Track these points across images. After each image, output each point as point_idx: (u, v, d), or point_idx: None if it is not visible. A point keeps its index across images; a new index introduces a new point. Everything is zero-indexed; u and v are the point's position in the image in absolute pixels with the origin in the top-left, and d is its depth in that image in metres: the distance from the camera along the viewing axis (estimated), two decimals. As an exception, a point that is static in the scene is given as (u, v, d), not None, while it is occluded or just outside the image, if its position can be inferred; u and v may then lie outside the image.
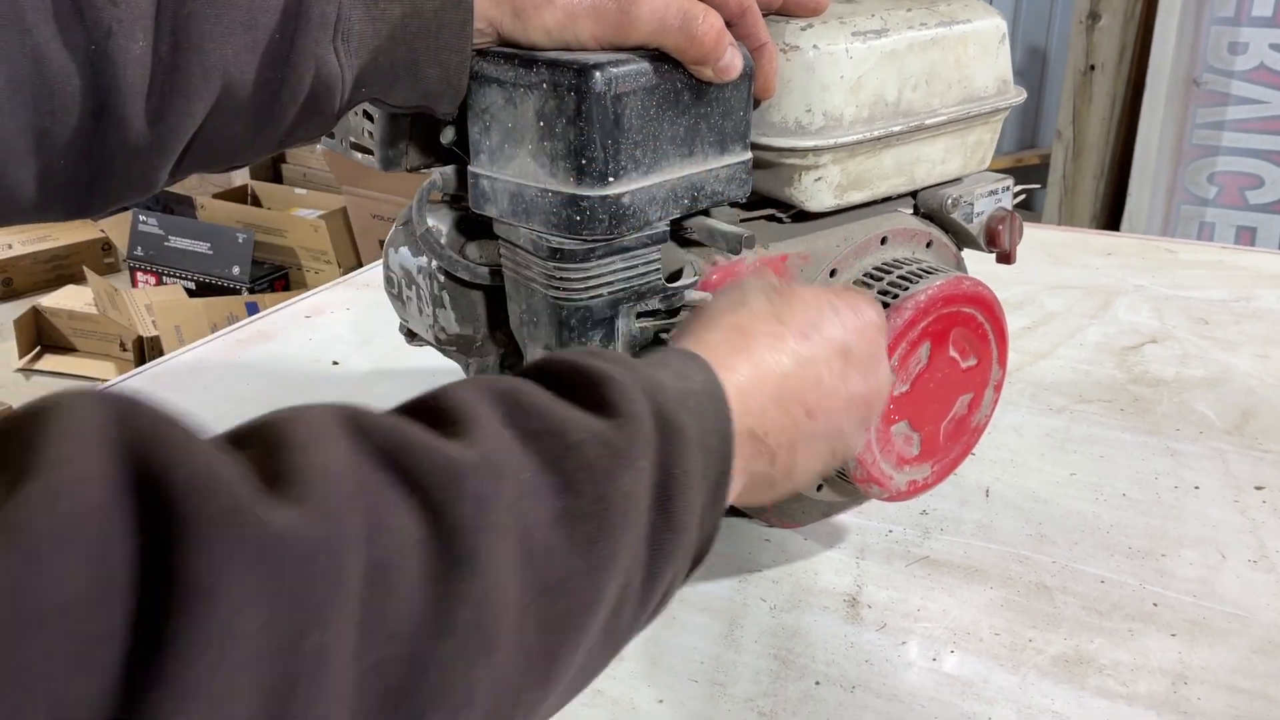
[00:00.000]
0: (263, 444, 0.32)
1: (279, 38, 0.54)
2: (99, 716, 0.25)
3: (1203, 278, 1.33)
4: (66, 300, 2.97)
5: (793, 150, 0.68)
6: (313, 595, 0.29)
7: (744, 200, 0.68)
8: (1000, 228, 0.80)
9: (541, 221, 0.61)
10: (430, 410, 0.38)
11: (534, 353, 0.66)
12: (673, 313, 0.67)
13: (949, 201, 0.77)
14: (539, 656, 0.36)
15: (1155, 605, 0.77)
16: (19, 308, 3.01)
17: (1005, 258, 0.81)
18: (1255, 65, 2.49)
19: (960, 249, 0.81)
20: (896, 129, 0.70)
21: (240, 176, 3.42)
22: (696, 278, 0.67)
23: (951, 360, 0.74)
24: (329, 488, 0.30)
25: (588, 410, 0.41)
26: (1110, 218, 2.79)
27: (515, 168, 0.62)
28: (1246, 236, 2.60)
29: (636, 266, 0.64)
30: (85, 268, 3.07)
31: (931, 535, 0.85)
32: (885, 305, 0.70)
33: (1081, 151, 2.74)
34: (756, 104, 0.67)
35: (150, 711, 0.25)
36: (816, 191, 0.70)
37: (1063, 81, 2.78)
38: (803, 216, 0.73)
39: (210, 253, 3.04)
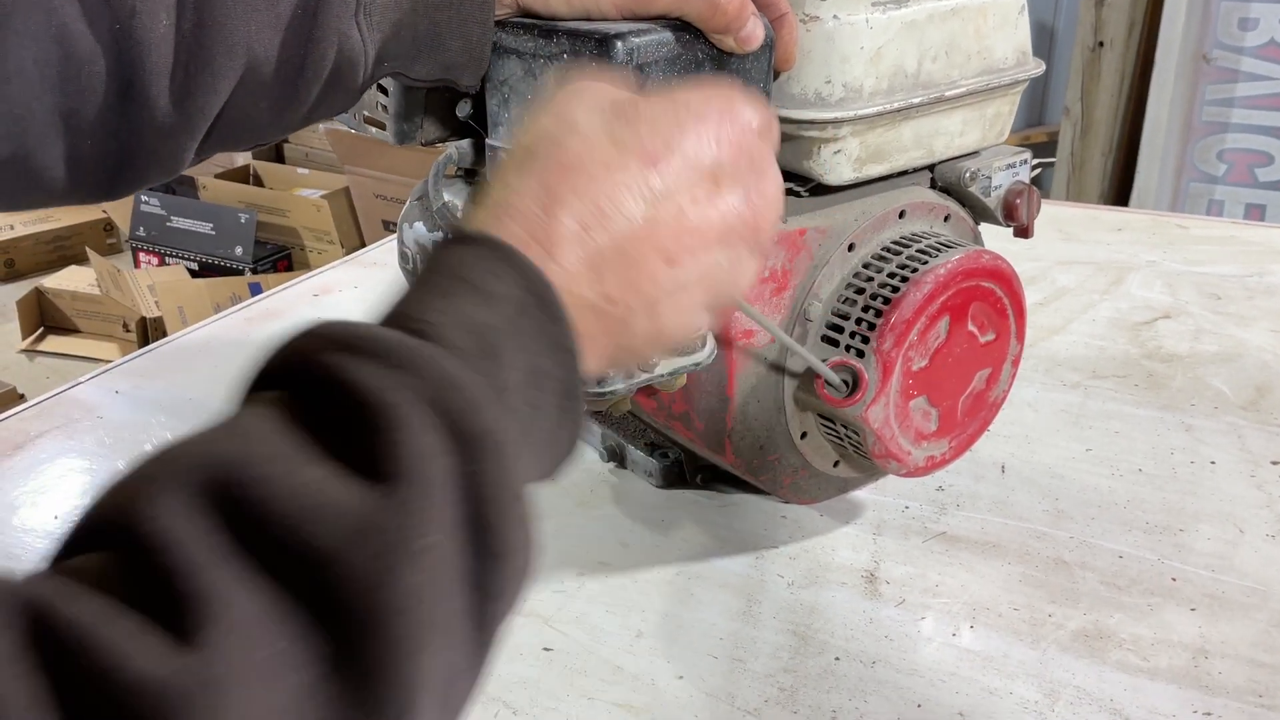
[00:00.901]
0: None
1: (301, 13, 0.54)
2: None
3: (1214, 253, 1.33)
4: (69, 281, 2.97)
5: (812, 122, 0.67)
6: None
7: None
8: (1018, 201, 0.79)
9: None
10: (131, 579, 0.28)
11: None
12: None
13: (967, 175, 0.76)
14: None
15: (1174, 580, 0.77)
16: (21, 289, 3.00)
17: (1023, 232, 0.81)
18: (1265, 41, 2.47)
19: (977, 223, 0.80)
20: (916, 101, 0.70)
21: (242, 156, 3.41)
22: None
23: (970, 335, 0.73)
24: None
25: (346, 469, 0.31)
26: (1119, 195, 2.78)
27: None
28: (1256, 214, 2.59)
29: None
30: (88, 248, 3.06)
31: (948, 511, 0.85)
32: (905, 279, 0.70)
33: (1090, 128, 2.72)
34: (776, 75, 0.66)
35: None
36: (835, 164, 0.70)
37: (1071, 58, 2.76)
38: (820, 190, 0.73)
39: (213, 233, 3.03)
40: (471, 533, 0.33)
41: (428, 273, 0.39)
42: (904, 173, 0.75)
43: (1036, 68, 0.77)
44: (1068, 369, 1.06)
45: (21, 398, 2.45)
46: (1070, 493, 0.87)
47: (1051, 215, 1.46)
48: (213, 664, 0.26)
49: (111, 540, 0.29)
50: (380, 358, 0.33)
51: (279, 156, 3.49)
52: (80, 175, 0.53)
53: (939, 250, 0.72)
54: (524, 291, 0.38)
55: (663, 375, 0.68)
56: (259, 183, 3.37)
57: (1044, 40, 3.22)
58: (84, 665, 0.25)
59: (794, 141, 0.69)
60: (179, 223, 3.07)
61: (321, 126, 3.24)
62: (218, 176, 3.31)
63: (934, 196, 0.77)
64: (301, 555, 0.29)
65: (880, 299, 0.70)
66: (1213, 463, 0.91)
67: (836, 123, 0.67)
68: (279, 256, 3.12)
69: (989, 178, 0.78)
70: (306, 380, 0.34)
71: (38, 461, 0.96)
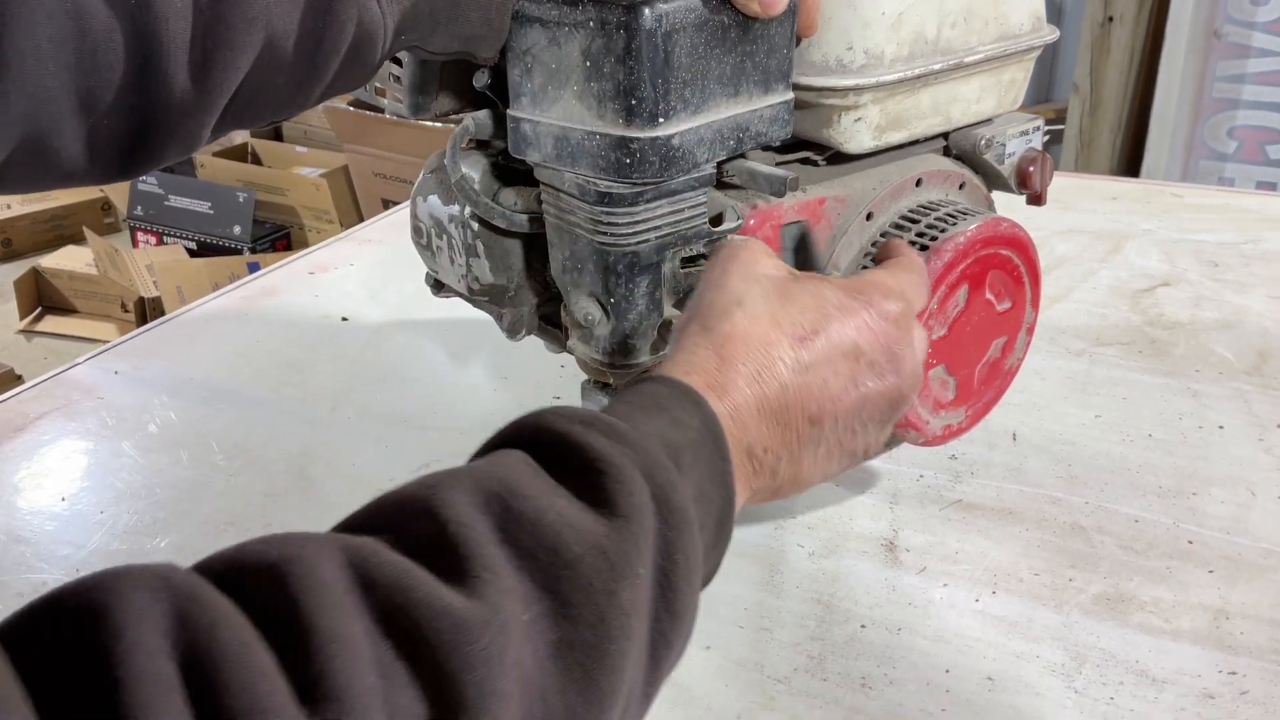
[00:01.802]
0: (282, 620, 0.31)
1: None
2: None
3: (1210, 221, 1.33)
4: (67, 261, 2.93)
5: (833, 90, 0.67)
6: None
7: (786, 142, 0.67)
8: (1031, 169, 0.79)
9: (589, 165, 0.60)
10: (426, 539, 0.35)
11: (576, 300, 0.66)
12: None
13: (982, 142, 0.76)
14: None
15: (1190, 543, 0.77)
16: (19, 268, 2.96)
17: (1036, 199, 0.81)
18: (1277, 16, 2.44)
19: (990, 191, 0.80)
20: (936, 67, 0.69)
21: (241, 134, 3.37)
22: (739, 221, 0.66)
23: (987, 303, 0.73)
24: (355, 697, 0.30)
25: (585, 506, 0.38)
26: (1128, 172, 2.75)
27: (560, 110, 0.61)
28: (1266, 192, 2.58)
29: (683, 210, 0.63)
30: (85, 228, 3.02)
31: (963, 479, 0.85)
32: (923, 249, 0.70)
33: (1099, 105, 2.71)
34: (798, 42, 0.66)
35: None
36: (856, 132, 0.69)
37: (1080, 34, 2.74)
38: (838, 159, 0.72)
39: (211, 212, 3.00)
40: (660, 584, 0.39)
41: (630, 395, 0.47)
42: (921, 140, 0.75)
43: (1051, 34, 0.77)
44: (1071, 337, 1.06)
45: (19, 379, 2.42)
46: (1082, 459, 0.87)
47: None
48: (496, 610, 0.33)
49: (405, 519, 0.36)
50: (605, 432, 0.41)
51: (278, 135, 3.45)
52: (96, 155, 0.52)
53: (957, 218, 0.72)
54: (704, 426, 0.46)
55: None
56: (257, 161, 3.34)
57: (1052, 16, 3.15)
58: (401, 596, 0.32)
59: (814, 109, 0.68)
60: (177, 202, 3.04)
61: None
62: (216, 155, 3.27)
63: (950, 164, 0.77)
64: (553, 557, 0.36)
65: None
66: (1220, 427, 0.91)
67: (858, 90, 0.67)
68: (277, 236, 3.09)
69: (1003, 145, 0.77)
70: (545, 442, 0.41)
71: (39, 443, 0.95)
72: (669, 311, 0.65)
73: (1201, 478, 0.85)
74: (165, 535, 0.83)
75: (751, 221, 0.67)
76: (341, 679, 0.30)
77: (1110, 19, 2.67)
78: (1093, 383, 0.98)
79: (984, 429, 0.89)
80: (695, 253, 0.65)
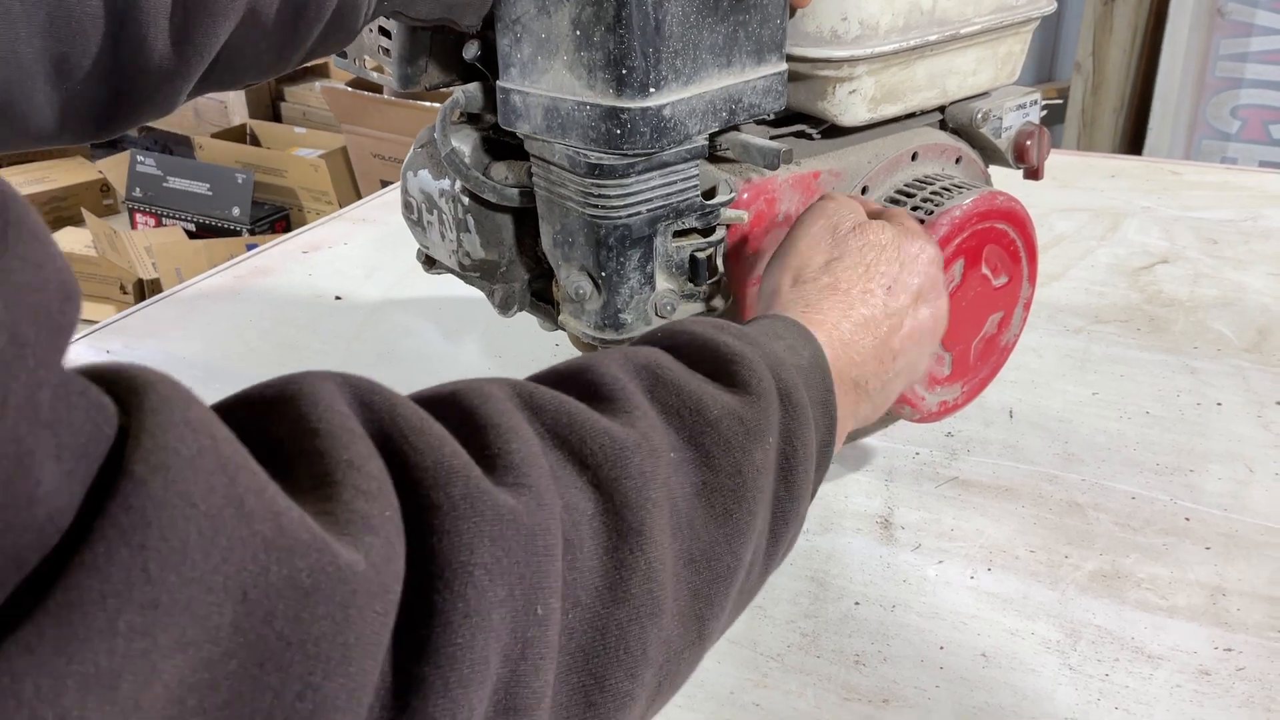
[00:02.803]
0: (463, 422, 0.34)
1: None
2: (382, 692, 0.28)
3: (1209, 198, 1.32)
4: (65, 242, 2.91)
5: (828, 61, 0.66)
6: (538, 569, 0.32)
7: (779, 114, 0.66)
8: (1028, 143, 0.78)
9: (579, 136, 0.59)
10: (585, 385, 0.40)
11: (567, 274, 0.65)
12: (708, 231, 0.65)
13: (979, 115, 0.75)
14: (692, 618, 0.39)
15: (1187, 520, 0.77)
16: (17, 249, 2.94)
17: (1033, 174, 0.80)
18: None
19: (987, 165, 0.79)
20: (932, 38, 0.69)
21: (239, 115, 3.35)
22: (732, 195, 0.65)
23: (984, 278, 0.73)
24: (535, 473, 0.33)
25: (721, 386, 0.43)
26: (1130, 152, 2.74)
27: (549, 81, 0.60)
28: (1269, 173, 2.56)
29: (676, 183, 0.62)
30: (83, 209, 3.01)
31: (959, 456, 0.84)
32: (920, 222, 0.69)
33: (1101, 84, 2.68)
34: (792, 13, 0.65)
35: (419, 680, 0.28)
36: (850, 105, 0.68)
37: (1082, 12, 2.72)
38: (833, 133, 0.71)
39: (210, 193, 2.98)
40: (782, 464, 0.44)
41: (749, 325, 0.51)
42: (916, 113, 0.74)
43: (1049, 6, 0.76)
44: (1069, 314, 1.06)
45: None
46: (1079, 436, 0.86)
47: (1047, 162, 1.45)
48: (647, 438, 0.38)
49: (565, 377, 0.41)
50: (734, 335, 0.46)
51: (276, 116, 3.43)
52: (70, 118, 0.51)
53: (953, 192, 0.71)
54: (813, 356, 0.51)
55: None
56: (256, 142, 3.31)
57: None
58: (565, 417, 0.37)
59: (808, 81, 0.68)
60: (175, 183, 3.02)
61: (319, 85, 3.19)
62: (214, 136, 3.25)
63: (946, 138, 0.76)
64: (696, 417, 0.41)
65: None
66: (1219, 404, 0.91)
67: (852, 61, 0.66)
68: (276, 217, 3.07)
69: (1000, 118, 0.77)
70: (681, 342, 0.45)
71: (31, 423, 0.94)
72: (660, 285, 0.65)
73: (1199, 454, 0.84)
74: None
75: (745, 195, 0.67)
76: (519, 458, 0.33)
77: (1113, -4, 2.65)
78: (1090, 360, 0.98)
79: (980, 406, 0.89)
80: (688, 226, 0.64)
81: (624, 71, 0.56)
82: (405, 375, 0.98)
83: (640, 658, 0.36)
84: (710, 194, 0.65)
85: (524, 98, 0.61)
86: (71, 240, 2.94)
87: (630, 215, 0.61)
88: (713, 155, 0.65)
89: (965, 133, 0.77)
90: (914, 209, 0.70)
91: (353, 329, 1.09)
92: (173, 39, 0.50)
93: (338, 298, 1.15)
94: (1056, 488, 0.80)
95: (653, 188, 0.61)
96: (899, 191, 0.72)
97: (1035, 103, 0.79)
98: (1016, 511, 0.78)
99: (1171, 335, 1.02)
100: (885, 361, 0.56)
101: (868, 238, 0.59)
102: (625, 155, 0.59)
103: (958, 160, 0.76)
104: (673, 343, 0.46)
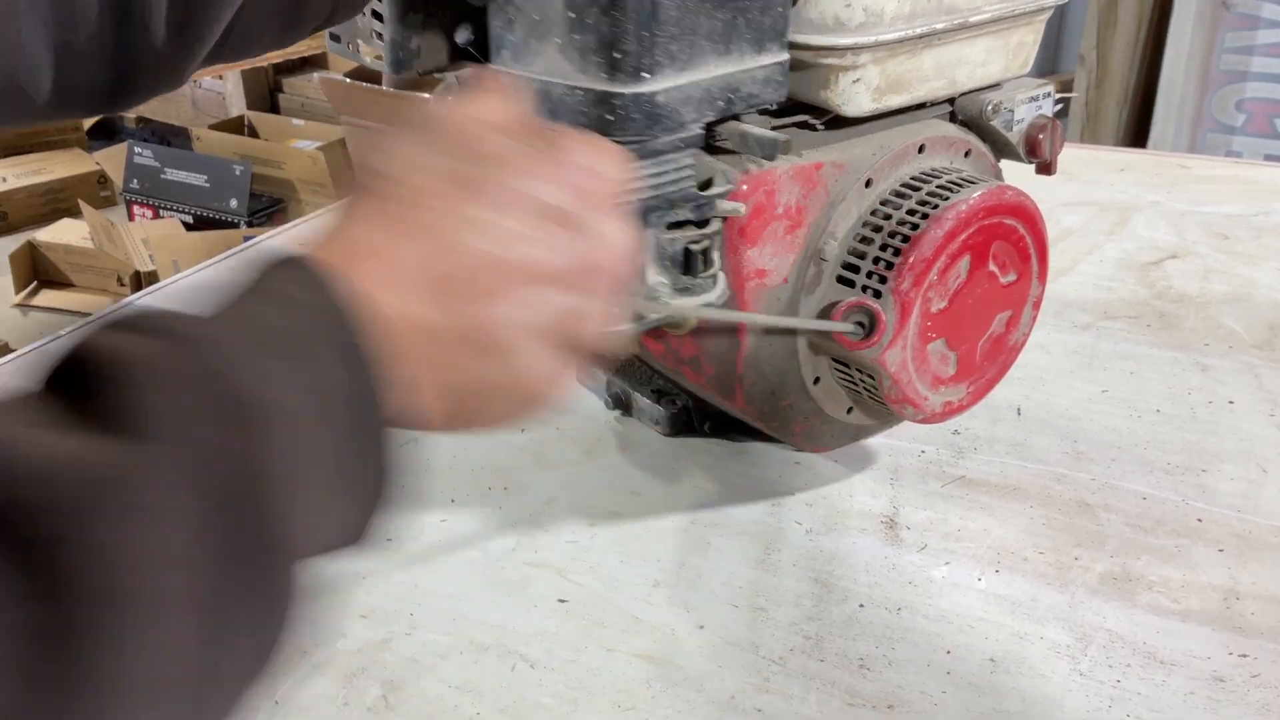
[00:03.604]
0: None
1: None
2: None
3: (1219, 192, 1.30)
4: (62, 234, 2.89)
5: (831, 49, 0.64)
6: None
7: (780, 104, 0.64)
8: (1041, 136, 0.76)
9: (570, 121, 0.58)
10: None
11: None
12: (704, 223, 0.63)
13: (989, 108, 0.73)
14: None
15: (1200, 521, 0.75)
16: (14, 242, 2.92)
17: (1045, 168, 0.78)
18: None
19: (998, 159, 0.77)
20: (940, 26, 0.67)
21: (237, 107, 3.33)
22: (729, 186, 0.64)
23: (991, 275, 0.71)
24: None
25: (96, 429, 0.29)
26: (1134, 145, 2.73)
27: (542, 64, 0.58)
28: (1275, 166, 2.55)
29: (669, 172, 0.60)
30: (81, 201, 2.99)
31: (965, 455, 0.82)
32: (925, 216, 0.67)
33: (1105, 77, 2.67)
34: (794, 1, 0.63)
35: None
36: (854, 94, 0.67)
37: (1086, 4, 2.71)
38: (836, 123, 0.69)
39: (207, 185, 2.96)
40: (234, 502, 0.30)
41: (234, 284, 0.36)
42: (924, 105, 0.72)
43: None
44: (1078, 310, 1.04)
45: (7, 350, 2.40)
46: (1089, 434, 0.85)
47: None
48: None
49: None
50: (142, 329, 0.32)
51: (274, 107, 3.42)
52: (75, 96, 0.52)
53: (961, 186, 0.69)
54: (325, 311, 0.35)
55: (670, 317, 0.65)
56: (254, 134, 3.30)
57: None
58: None
59: (811, 70, 0.66)
60: (173, 175, 3.00)
61: (317, 76, 3.17)
62: (212, 128, 3.23)
63: (955, 130, 0.74)
64: (24, 517, 0.27)
65: (899, 237, 0.67)
66: (1231, 402, 0.89)
67: (856, 49, 0.64)
68: (275, 209, 3.06)
69: (1011, 111, 0.75)
70: (80, 363, 0.31)
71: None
72: (652, 278, 0.63)
73: (1211, 454, 0.82)
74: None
75: (744, 186, 0.65)
76: None
77: (1117, -12, 2.63)
78: (1099, 357, 0.96)
79: (987, 404, 0.87)
80: (682, 218, 0.62)
81: (617, 55, 0.55)
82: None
83: None
84: (706, 185, 0.63)
85: (515, 81, 0.60)
86: (68, 232, 2.93)
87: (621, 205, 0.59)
88: (710, 146, 0.63)
89: (975, 125, 0.75)
90: (919, 203, 0.68)
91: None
92: (174, 24, 0.51)
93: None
94: (1065, 487, 0.79)
95: (645, 177, 0.59)
96: (904, 185, 0.70)
97: (1049, 95, 0.77)
98: (1025, 511, 0.76)
99: (1182, 332, 1.00)
100: (472, 299, 0.39)
101: (484, 144, 0.42)
102: (617, 142, 0.57)
103: (967, 154, 0.74)
104: (66, 365, 0.31)
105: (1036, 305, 0.74)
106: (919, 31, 0.66)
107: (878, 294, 0.67)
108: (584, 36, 0.55)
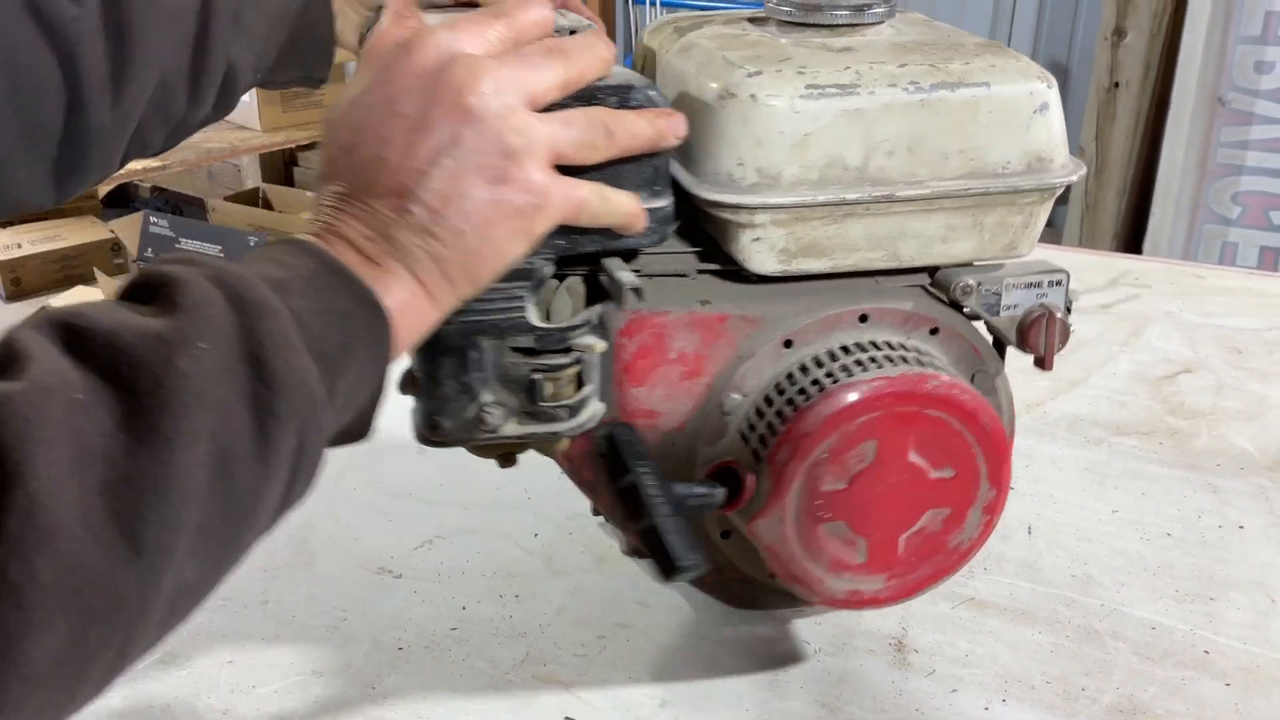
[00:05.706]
0: None
1: (196, 38, 0.68)
2: None
3: (1232, 304, 1.32)
4: (77, 301, 2.93)
5: (722, 205, 0.62)
6: None
7: (654, 248, 0.62)
8: (1033, 328, 0.70)
9: None
10: None
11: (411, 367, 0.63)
12: (557, 352, 0.62)
13: (958, 287, 0.67)
14: (117, 538, 0.39)
15: (1207, 652, 0.75)
16: (28, 308, 2.97)
17: (1041, 363, 0.71)
18: None
19: (998, 342, 0.72)
20: (854, 197, 0.62)
21: (252, 179, 3.39)
22: (587, 323, 0.62)
23: (913, 466, 0.64)
24: None
25: (145, 311, 0.43)
26: (1132, 236, 2.76)
27: None
28: (1270, 257, 2.56)
29: (496, 301, 0.59)
30: (95, 269, 3.04)
31: (975, 575, 0.83)
32: (822, 389, 0.64)
33: (1104, 169, 2.72)
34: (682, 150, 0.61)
35: None
36: (755, 253, 0.63)
37: (1085, 97, 2.75)
38: (757, 279, 0.65)
39: (222, 255, 3.01)
40: (251, 363, 0.43)
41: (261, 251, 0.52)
42: (868, 273, 0.67)
43: (1065, 174, 0.68)
44: (1090, 424, 1.05)
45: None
46: (1099, 557, 0.85)
47: (1067, 263, 1.44)
48: (36, 383, 0.38)
49: None
50: (180, 260, 0.46)
51: (289, 180, 3.48)
52: (40, 182, 0.65)
53: (879, 364, 0.64)
54: (319, 265, 0.51)
55: (510, 436, 0.63)
56: (268, 205, 3.36)
57: (1058, 79, 3.17)
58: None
59: (718, 223, 0.64)
60: (188, 244, 3.04)
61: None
62: (227, 199, 3.29)
63: (921, 305, 0.68)
64: (110, 351, 0.41)
65: (792, 405, 0.64)
66: (1241, 527, 0.89)
67: (750, 209, 0.62)
68: (288, 282, 3.10)
69: (997, 294, 0.69)
70: (132, 282, 0.47)
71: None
72: (486, 397, 0.62)
73: (1219, 581, 0.83)
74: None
75: (627, 324, 0.64)
76: None
77: (1116, 84, 2.68)
78: (1111, 475, 0.97)
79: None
80: (523, 345, 0.61)
81: None
82: (417, 467, 0.97)
83: (33, 591, 0.36)
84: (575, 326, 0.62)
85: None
86: (83, 299, 2.97)
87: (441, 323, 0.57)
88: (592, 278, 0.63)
89: (956, 305, 0.69)
90: (826, 374, 0.64)
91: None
92: (110, 106, 0.64)
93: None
94: (1074, 612, 0.79)
95: (469, 303, 0.56)
96: (828, 353, 0.66)
97: (1057, 283, 0.71)
98: (1033, 637, 0.76)
99: (1194, 450, 1.00)
100: (380, 197, 0.52)
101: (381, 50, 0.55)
102: None
103: (934, 331, 0.68)
104: (126, 286, 0.47)
105: (991, 510, 0.67)
106: (824, 200, 0.62)
107: (759, 457, 0.64)
108: None
